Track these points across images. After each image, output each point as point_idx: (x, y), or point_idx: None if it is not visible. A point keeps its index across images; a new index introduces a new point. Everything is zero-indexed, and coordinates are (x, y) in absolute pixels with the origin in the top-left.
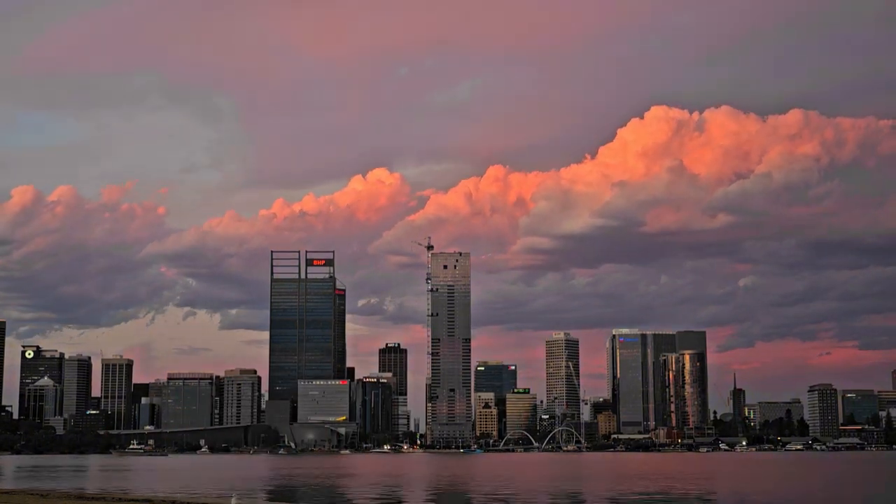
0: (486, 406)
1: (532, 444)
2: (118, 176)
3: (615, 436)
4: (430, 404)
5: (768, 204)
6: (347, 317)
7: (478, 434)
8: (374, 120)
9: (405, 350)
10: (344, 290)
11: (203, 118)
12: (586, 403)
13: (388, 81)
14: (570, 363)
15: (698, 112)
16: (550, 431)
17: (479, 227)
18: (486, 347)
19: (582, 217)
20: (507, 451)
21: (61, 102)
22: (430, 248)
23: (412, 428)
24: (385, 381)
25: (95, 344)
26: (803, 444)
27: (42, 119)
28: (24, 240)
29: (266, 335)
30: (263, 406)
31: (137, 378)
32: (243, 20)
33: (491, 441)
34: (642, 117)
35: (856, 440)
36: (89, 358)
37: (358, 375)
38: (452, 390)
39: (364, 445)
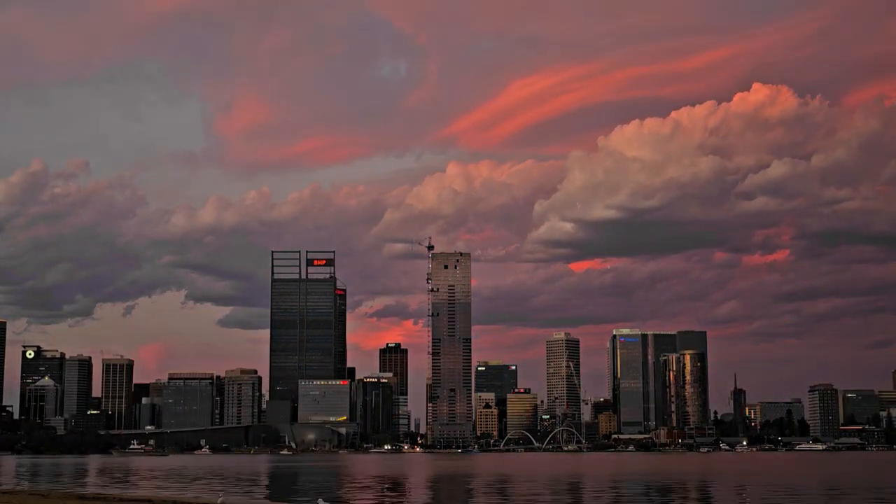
0: (487, 406)
1: (532, 443)
2: (119, 161)
3: (616, 436)
4: (430, 404)
5: (788, 195)
6: (348, 316)
7: (478, 434)
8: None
9: (406, 350)
10: (344, 290)
11: (224, 100)
12: (587, 403)
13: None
14: (570, 363)
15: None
16: (551, 431)
17: (495, 215)
18: (486, 347)
19: (598, 204)
20: (508, 450)
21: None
22: (430, 248)
23: (413, 428)
24: (385, 381)
25: (89, 341)
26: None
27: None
28: (15, 226)
29: (266, 334)
30: (264, 406)
31: (136, 377)
32: None
33: (492, 441)
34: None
35: (856, 440)
36: (90, 358)
37: (358, 375)
38: (453, 390)
39: (364, 445)
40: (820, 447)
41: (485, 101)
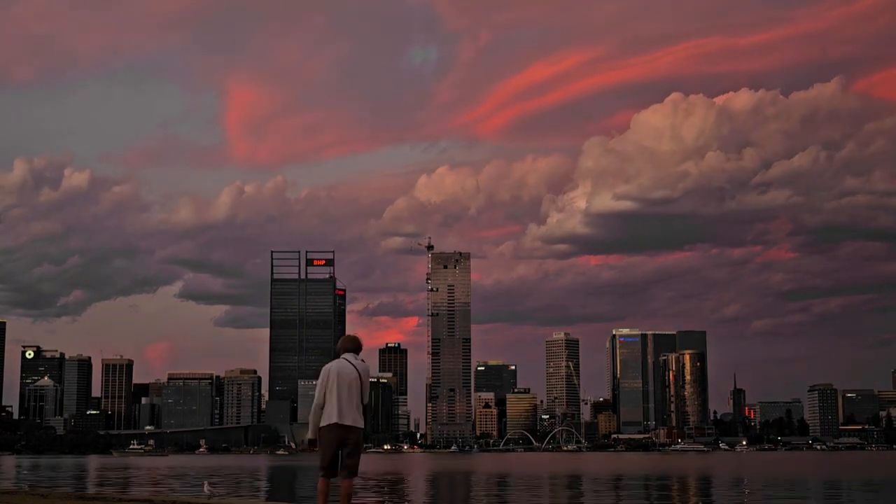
0: (487, 406)
1: (532, 443)
2: (134, 156)
3: (615, 435)
4: (430, 404)
5: (796, 191)
6: (347, 317)
7: (478, 434)
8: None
9: (405, 350)
10: (344, 291)
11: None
12: (586, 403)
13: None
14: (570, 363)
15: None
16: (551, 431)
17: (500, 208)
18: (486, 347)
19: (601, 199)
20: (507, 450)
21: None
22: (430, 248)
23: (412, 428)
24: (385, 381)
25: (89, 340)
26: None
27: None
28: (17, 221)
29: (266, 334)
30: (264, 406)
31: (136, 377)
32: None
33: (491, 441)
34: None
35: (856, 440)
36: (89, 358)
37: None
38: (452, 390)
39: (363, 445)
40: (821, 446)
41: (507, 93)
